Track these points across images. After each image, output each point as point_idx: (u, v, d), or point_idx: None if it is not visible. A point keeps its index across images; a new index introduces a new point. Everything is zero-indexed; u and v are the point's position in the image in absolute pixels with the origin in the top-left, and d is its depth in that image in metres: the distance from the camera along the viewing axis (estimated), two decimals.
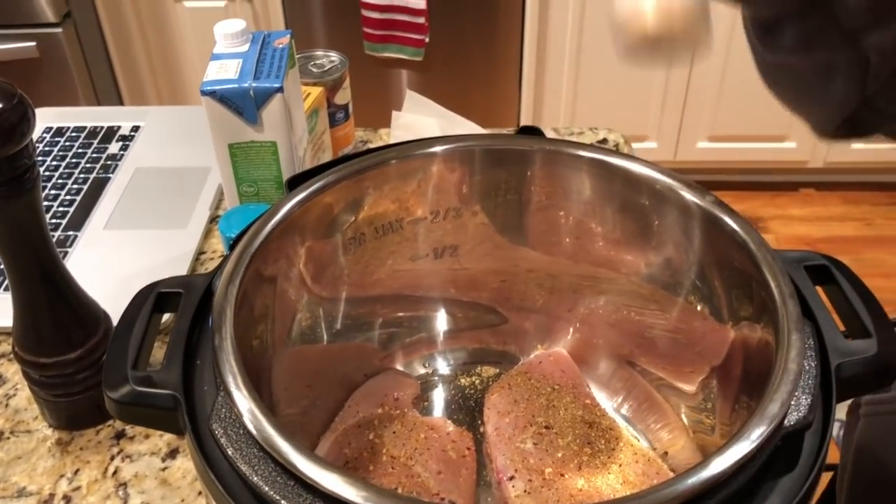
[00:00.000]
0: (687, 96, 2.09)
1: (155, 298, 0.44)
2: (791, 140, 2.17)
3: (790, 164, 2.22)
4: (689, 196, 0.48)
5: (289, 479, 0.34)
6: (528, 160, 0.53)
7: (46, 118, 1.03)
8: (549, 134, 0.96)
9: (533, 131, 0.55)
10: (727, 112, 2.11)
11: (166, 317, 0.69)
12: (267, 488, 0.34)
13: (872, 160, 2.21)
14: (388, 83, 2.06)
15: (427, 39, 1.93)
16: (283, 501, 0.33)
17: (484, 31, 1.98)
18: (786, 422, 0.36)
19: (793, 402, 0.36)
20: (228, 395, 0.37)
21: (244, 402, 0.36)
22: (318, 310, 0.53)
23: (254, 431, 0.35)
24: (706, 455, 0.50)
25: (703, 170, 2.26)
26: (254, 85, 0.68)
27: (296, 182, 0.51)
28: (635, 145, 2.15)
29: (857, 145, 2.17)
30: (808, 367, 0.38)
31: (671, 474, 0.52)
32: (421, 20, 1.89)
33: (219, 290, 0.42)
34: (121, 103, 2.08)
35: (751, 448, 0.34)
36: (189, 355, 0.41)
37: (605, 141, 0.98)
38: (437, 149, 0.52)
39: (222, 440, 0.36)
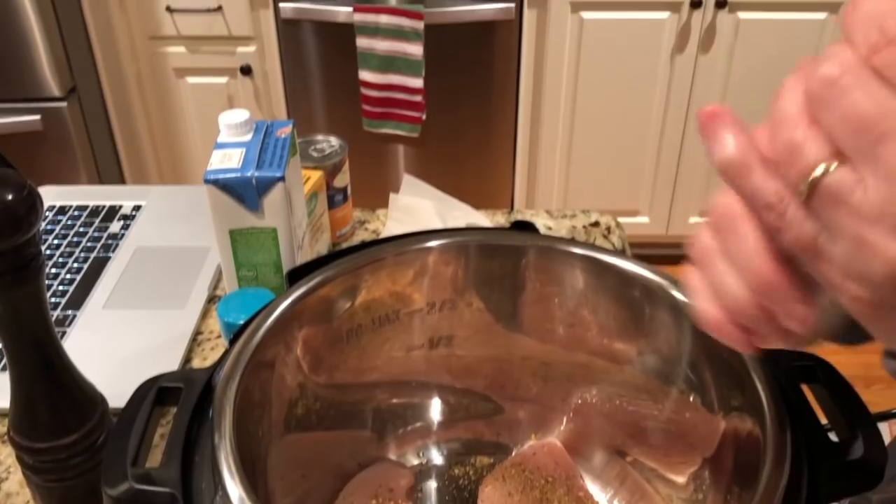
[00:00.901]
0: (678, 172, 2.13)
1: (156, 393, 0.45)
2: None
3: None
4: (677, 294, 0.50)
5: None
6: (521, 255, 0.55)
7: (49, 196, 1.05)
8: (542, 222, 0.98)
9: (526, 226, 0.57)
10: (718, 188, 2.15)
11: None
12: None
13: None
14: (386, 159, 2.10)
15: (423, 117, 1.98)
16: None
17: (479, 111, 2.03)
18: None
19: None
20: (226, 495, 0.37)
21: (239, 500, 0.37)
22: (313, 397, 0.54)
23: None
24: None
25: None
26: (256, 174, 0.71)
27: (296, 275, 0.52)
28: (627, 220, 2.18)
29: None
30: (795, 471, 0.39)
31: None
32: (418, 98, 1.94)
33: (219, 386, 0.43)
34: (122, 178, 2.11)
35: None
36: (189, 450, 0.42)
37: (597, 224, 1.00)
38: (433, 243, 0.54)
39: None
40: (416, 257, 0.54)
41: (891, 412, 0.81)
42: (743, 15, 1.94)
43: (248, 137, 0.75)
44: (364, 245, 0.53)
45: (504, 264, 0.56)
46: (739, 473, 0.46)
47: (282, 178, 0.71)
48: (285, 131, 0.76)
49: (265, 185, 0.71)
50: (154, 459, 0.43)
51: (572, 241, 0.54)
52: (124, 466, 0.40)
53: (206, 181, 0.71)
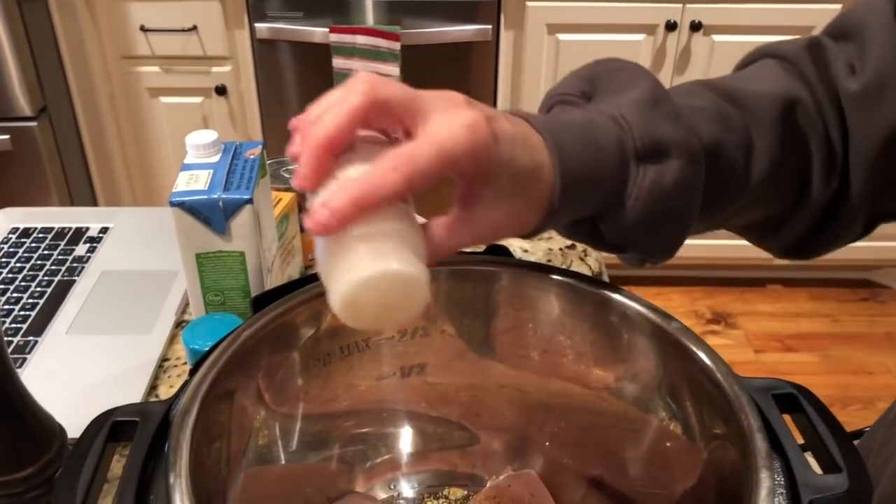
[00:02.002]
0: None
1: (110, 427, 0.42)
2: None
3: (758, 261, 2.26)
4: (656, 319, 0.48)
5: None
6: (494, 281, 0.53)
7: (13, 218, 1.02)
8: (518, 244, 0.97)
9: (500, 251, 0.55)
10: None
11: None
12: None
13: (838, 257, 2.25)
14: None
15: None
16: None
17: None
18: None
19: None
20: None
21: None
22: (276, 428, 0.52)
23: None
24: None
25: (673, 265, 2.29)
26: (223, 196, 0.69)
27: (261, 302, 0.50)
28: None
29: None
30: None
31: None
32: None
33: (175, 422, 0.41)
34: (94, 199, 2.08)
35: None
36: (142, 491, 0.40)
37: (573, 246, 0.99)
38: None
39: None
40: None
41: (860, 431, 0.80)
42: (718, 38, 1.96)
43: (216, 159, 0.73)
44: None
45: (476, 290, 0.54)
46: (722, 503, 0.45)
47: (250, 201, 0.69)
48: (254, 152, 0.74)
49: (233, 208, 0.69)
50: (107, 500, 0.41)
51: (547, 267, 0.52)
52: None
53: (172, 203, 0.69)
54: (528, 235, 0.47)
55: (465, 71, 1.97)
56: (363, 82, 0.40)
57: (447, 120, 0.41)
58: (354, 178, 0.39)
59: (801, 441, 0.43)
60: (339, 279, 0.39)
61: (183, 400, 0.42)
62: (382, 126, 0.43)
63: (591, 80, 0.51)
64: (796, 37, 0.58)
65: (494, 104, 1.99)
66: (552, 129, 0.45)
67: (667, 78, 1.98)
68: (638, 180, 0.46)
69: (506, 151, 0.42)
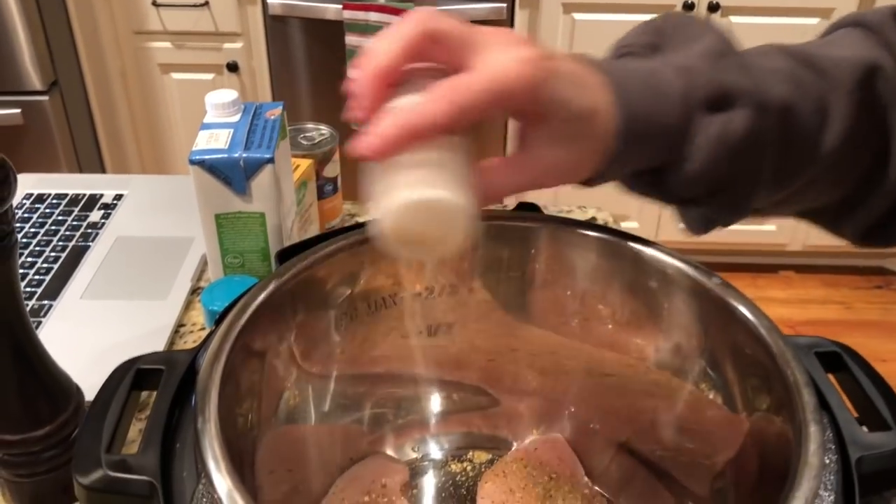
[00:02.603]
0: None
1: (134, 375, 0.41)
2: (770, 223, 2.19)
3: (770, 247, 2.24)
4: (697, 278, 0.47)
5: None
6: (532, 237, 0.52)
7: (27, 184, 1.01)
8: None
9: (531, 208, 0.54)
10: None
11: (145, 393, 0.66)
12: None
13: (848, 244, 2.24)
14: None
15: None
16: None
17: None
18: None
19: (816, 501, 0.34)
20: (210, 482, 0.34)
21: (226, 489, 0.34)
22: (307, 388, 0.51)
23: None
24: None
25: (684, 251, 2.26)
26: (244, 155, 0.67)
27: (286, 255, 0.49)
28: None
29: None
30: (828, 462, 0.36)
31: None
32: None
33: (203, 367, 0.39)
34: (104, 173, 2.06)
35: None
36: (168, 438, 0.39)
37: (593, 219, 0.97)
38: None
39: None
40: None
41: None
42: (735, 19, 1.93)
43: (237, 118, 0.71)
44: (360, 225, 0.50)
45: (512, 247, 0.52)
46: (765, 476, 0.43)
47: (271, 160, 0.67)
48: (275, 113, 0.73)
49: (253, 167, 0.67)
50: (130, 450, 0.40)
51: (584, 223, 0.51)
52: (98, 453, 0.37)
53: (192, 162, 0.67)
54: (587, 183, 0.46)
55: None
56: (418, 14, 0.40)
57: (502, 55, 0.40)
58: (406, 106, 0.39)
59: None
60: (386, 202, 0.38)
61: (210, 347, 0.41)
62: (437, 59, 0.42)
63: (660, 31, 0.49)
64: (882, 5, 0.54)
65: (505, 129, 1.98)
66: (615, 72, 0.44)
67: None
68: (704, 129, 0.44)
69: (562, 90, 0.41)
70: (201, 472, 0.35)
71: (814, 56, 0.49)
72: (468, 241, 0.40)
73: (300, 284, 0.47)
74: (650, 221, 2.18)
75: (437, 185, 0.38)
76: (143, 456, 0.37)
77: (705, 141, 0.44)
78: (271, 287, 0.45)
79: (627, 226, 2.18)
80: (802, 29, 1.92)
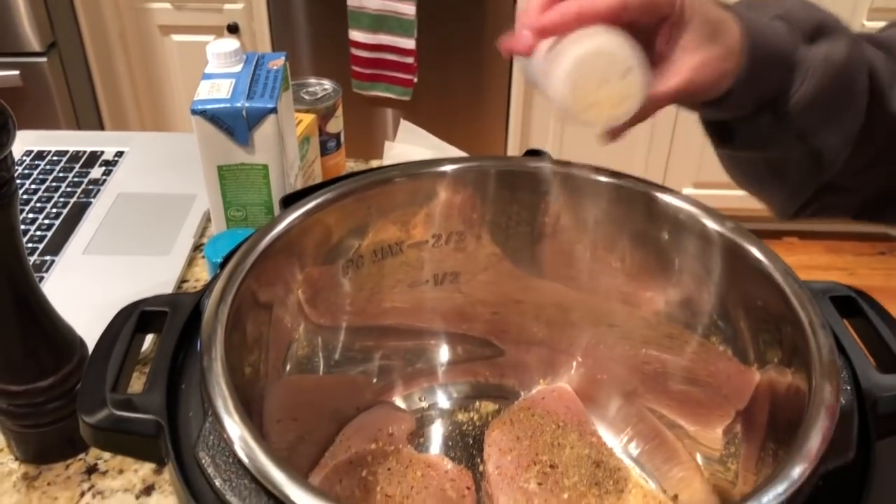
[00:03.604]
0: (672, 142, 2.09)
1: (138, 318, 0.41)
2: None
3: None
4: (709, 223, 0.46)
5: None
6: (543, 183, 0.51)
7: (27, 141, 1.00)
8: None
9: (540, 154, 0.53)
10: (712, 159, 2.10)
11: (146, 345, 0.66)
12: None
13: None
14: (375, 121, 2.05)
15: (415, 80, 1.93)
16: None
17: (472, 73, 1.98)
18: (825, 460, 0.33)
19: (832, 439, 0.34)
20: (218, 419, 0.33)
21: (235, 427, 0.33)
22: (315, 339, 0.50)
23: (245, 460, 0.32)
24: (725, 499, 0.47)
25: None
26: (247, 105, 0.66)
27: (291, 200, 0.48)
28: None
29: None
30: (844, 403, 0.36)
31: None
32: (410, 60, 1.89)
33: (208, 308, 0.39)
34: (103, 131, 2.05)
35: (792, 488, 0.31)
36: (174, 379, 0.38)
37: None
38: (448, 168, 0.49)
39: (209, 469, 0.32)
40: (428, 182, 0.49)
41: None
42: None
43: (239, 68, 0.70)
44: (369, 170, 0.49)
45: (524, 193, 0.51)
46: (775, 428, 0.43)
47: (274, 110, 0.66)
48: (277, 63, 0.71)
49: (256, 118, 0.66)
50: (135, 391, 0.39)
51: (598, 168, 0.50)
52: (103, 393, 0.36)
53: (194, 112, 0.66)
54: (721, 106, 0.49)
55: (481, 7, 1.92)
56: None
57: None
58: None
59: None
60: (562, 65, 0.42)
61: (216, 289, 0.40)
62: None
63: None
64: None
65: (509, 92, 1.96)
66: (732, 7, 0.49)
67: None
68: (811, 55, 0.49)
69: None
70: (208, 410, 0.34)
71: (884, 41, 0.54)
72: (637, 104, 0.43)
73: (305, 230, 0.47)
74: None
75: (613, 40, 0.42)
76: (149, 396, 0.36)
77: (813, 63, 0.49)
78: (276, 230, 0.44)
79: None
80: None
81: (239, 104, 0.66)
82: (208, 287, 0.41)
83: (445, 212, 0.51)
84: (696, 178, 2.14)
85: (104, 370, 0.38)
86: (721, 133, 0.56)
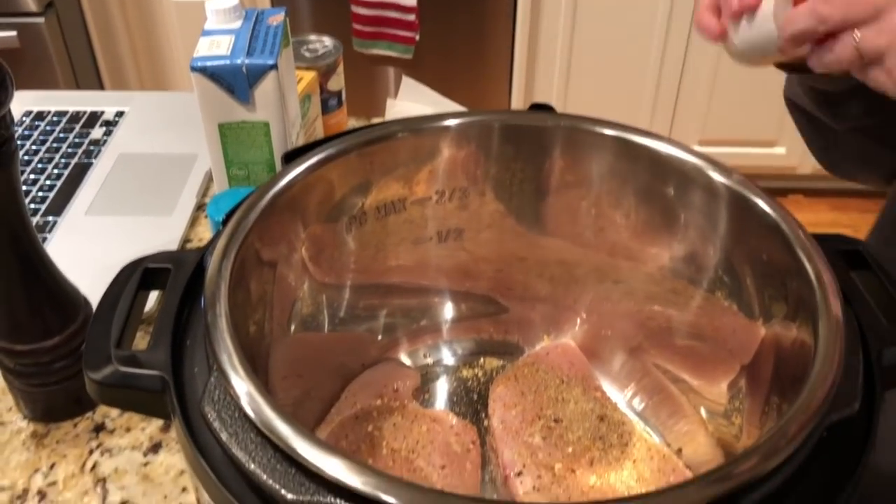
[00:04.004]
0: (678, 99, 2.07)
1: (141, 274, 0.41)
2: (781, 145, 2.16)
3: (779, 170, 2.22)
4: (716, 175, 0.46)
5: (289, 467, 0.31)
6: (547, 138, 0.50)
7: (26, 101, 0.99)
8: None
9: (544, 108, 0.52)
10: (718, 116, 2.10)
11: (150, 305, 0.66)
12: (265, 476, 0.31)
13: None
14: (376, 79, 2.03)
15: (417, 37, 1.91)
16: (282, 490, 0.30)
17: (474, 29, 1.96)
18: (830, 412, 0.33)
19: (838, 390, 0.34)
20: (223, 374, 0.33)
21: (239, 381, 0.33)
22: (320, 297, 0.50)
23: (250, 413, 0.32)
24: (728, 452, 0.47)
25: None
26: (247, 62, 0.65)
27: (292, 156, 0.47)
28: None
29: None
30: (850, 354, 0.36)
31: (687, 471, 0.49)
32: (411, 17, 1.86)
33: (212, 264, 0.39)
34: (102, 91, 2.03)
35: (797, 438, 0.31)
36: (178, 335, 0.38)
37: None
38: (451, 123, 0.49)
39: (215, 424, 0.32)
40: (431, 137, 0.49)
41: None
42: None
43: (238, 25, 0.69)
44: (371, 126, 0.49)
45: (528, 148, 0.51)
46: (780, 382, 0.43)
47: (274, 67, 0.65)
48: (277, 19, 0.70)
49: (256, 74, 0.65)
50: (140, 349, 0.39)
51: (602, 122, 0.49)
52: (108, 349, 0.36)
53: (193, 69, 0.65)
54: None
55: (484, 13, 1.91)
56: None
57: None
58: None
59: None
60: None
61: (218, 245, 0.40)
62: None
63: None
64: None
65: (511, 50, 1.93)
66: None
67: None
68: None
69: None
70: (213, 365, 0.34)
71: None
72: None
73: (308, 187, 0.46)
74: None
75: None
76: (153, 352, 0.36)
77: None
78: (277, 187, 0.44)
79: None
80: None
81: (239, 61, 0.65)
82: (211, 244, 0.41)
83: (449, 168, 0.51)
84: (702, 134, 2.13)
85: (108, 327, 0.38)
86: (835, 108, 0.57)
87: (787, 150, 2.16)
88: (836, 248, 0.43)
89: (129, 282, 0.40)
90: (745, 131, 2.12)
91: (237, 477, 0.32)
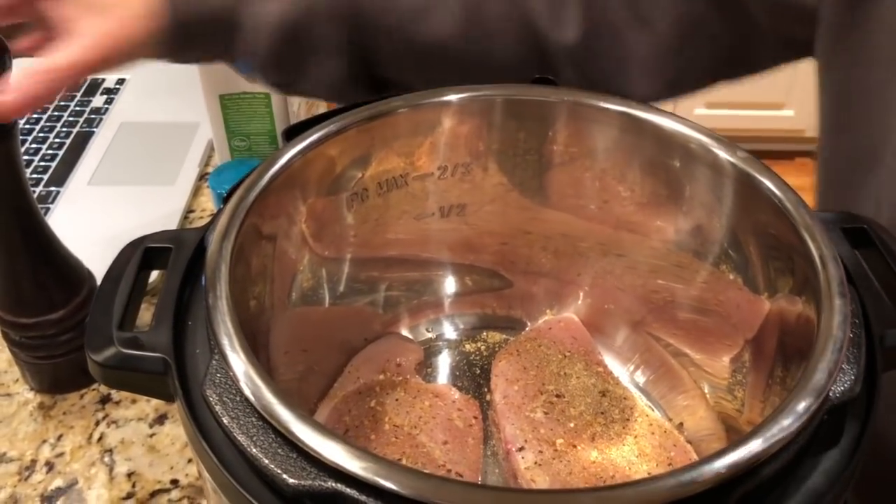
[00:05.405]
0: None
1: (142, 254, 0.40)
2: (789, 108, 2.14)
3: (787, 133, 2.20)
4: (721, 153, 0.45)
5: (290, 451, 0.31)
6: (551, 112, 0.49)
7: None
8: None
9: (547, 82, 0.51)
10: None
11: (154, 276, 0.66)
12: (267, 461, 0.31)
13: None
14: None
15: None
16: (283, 475, 0.30)
17: None
18: (831, 393, 0.33)
19: (838, 372, 0.34)
20: (224, 357, 0.34)
21: (241, 365, 0.33)
22: (320, 271, 0.50)
23: (251, 398, 0.32)
24: (730, 426, 0.48)
25: None
26: None
27: (293, 132, 0.47)
28: None
29: None
30: (852, 336, 0.35)
31: (688, 446, 0.49)
32: None
33: (212, 245, 0.38)
34: None
35: (798, 421, 0.31)
36: (180, 316, 0.38)
37: None
38: (452, 97, 0.48)
39: (217, 407, 0.33)
40: (432, 113, 0.48)
41: None
42: None
43: None
44: (372, 100, 0.48)
45: (529, 123, 0.50)
46: (784, 357, 0.43)
47: None
48: None
49: None
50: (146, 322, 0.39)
51: (606, 97, 0.48)
52: (109, 331, 0.36)
53: None
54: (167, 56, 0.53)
55: None
56: None
57: None
58: None
59: None
60: None
61: (219, 224, 0.40)
62: None
63: None
64: None
65: None
66: None
67: None
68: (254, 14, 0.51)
69: None
70: (214, 348, 0.35)
71: None
72: None
73: (309, 163, 0.46)
74: (665, 106, 2.13)
75: None
76: (155, 333, 0.36)
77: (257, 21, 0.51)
78: (279, 164, 0.44)
79: None
80: None
81: None
82: (212, 222, 0.41)
83: (451, 143, 0.50)
84: (708, 97, 2.11)
85: (110, 308, 0.38)
86: None
87: (796, 113, 2.14)
88: (842, 227, 0.42)
89: (130, 261, 0.40)
90: (753, 94, 2.10)
91: (239, 460, 0.32)
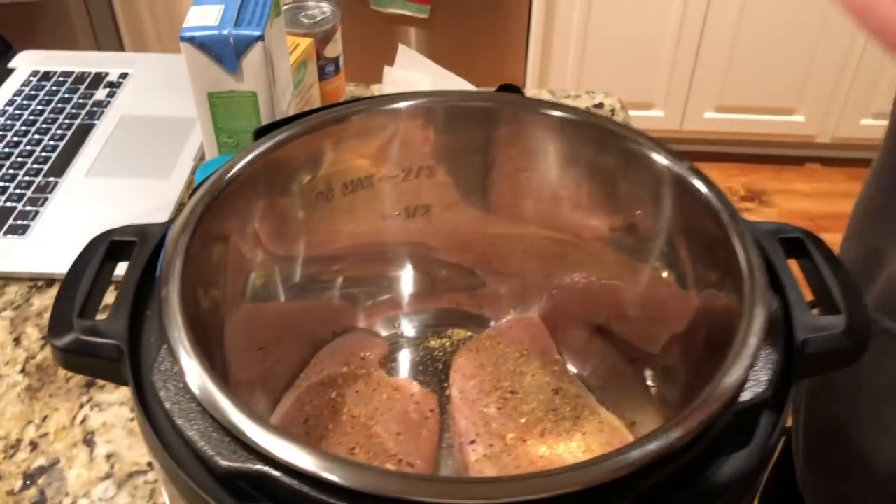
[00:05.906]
0: (696, 65, 2.05)
1: (107, 246, 0.43)
2: (799, 113, 2.13)
3: (797, 138, 2.19)
4: (663, 161, 0.47)
5: (224, 435, 0.33)
6: (493, 119, 0.51)
7: (34, 62, 1.01)
8: (542, 96, 0.94)
9: (512, 89, 0.53)
10: (736, 82, 2.07)
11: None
12: (202, 444, 0.33)
13: (880, 137, 2.17)
14: (391, 40, 2.02)
15: None
16: (216, 457, 0.32)
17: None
18: (741, 397, 0.35)
19: (751, 378, 0.35)
20: (171, 348, 0.36)
21: (184, 354, 0.35)
22: (273, 268, 0.52)
23: (190, 385, 0.34)
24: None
25: (709, 140, 2.23)
26: (234, 32, 0.67)
27: (263, 132, 0.49)
28: (641, 113, 2.12)
29: (865, 121, 2.13)
30: (769, 342, 0.37)
31: None
32: None
33: (169, 240, 0.41)
34: (122, 50, 2.05)
35: (698, 424, 0.32)
36: (138, 306, 0.40)
37: (601, 105, 0.96)
38: (402, 105, 0.50)
39: (161, 393, 0.35)
40: (385, 119, 0.50)
41: None
42: None
43: None
44: (331, 106, 0.50)
45: (475, 130, 0.52)
46: (712, 352, 0.44)
47: (261, 38, 0.67)
48: None
49: (244, 45, 0.67)
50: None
51: (552, 104, 0.50)
52: (70, 318, 0.39)
53: (182, 39, 0.67)
54: None
55: None
56: None
57: None
58: None
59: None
60: None
61: (178, 221, 0.42)
62: None
63: None
64: None
65: (529, 12, 1.92)
66: None
67: None
68: None
69: None
70: (163, 338, 0.37)
71: None
72: None
73: (270, 164, 0.48)
74: (676, 111, 2.13)
75: None
76: (113, 322, 0.39)
77: None
78: (241, 164, 0.46)
79: (652, 114, 2.14)
80: None
81: (226, 31, 0.67)
82: (173, 221, 0.43)
83: (408, 147, 0.52)
84: (719, 101, 2.11)
85: (74, 296, 0.40)
86: None
87: (806, 119, 2.13)
88: (779, 237, 0.44)
89: (95, 253, 0.42)
90: (764, 98, 2.10)
91: (181, 443, 0.35)
